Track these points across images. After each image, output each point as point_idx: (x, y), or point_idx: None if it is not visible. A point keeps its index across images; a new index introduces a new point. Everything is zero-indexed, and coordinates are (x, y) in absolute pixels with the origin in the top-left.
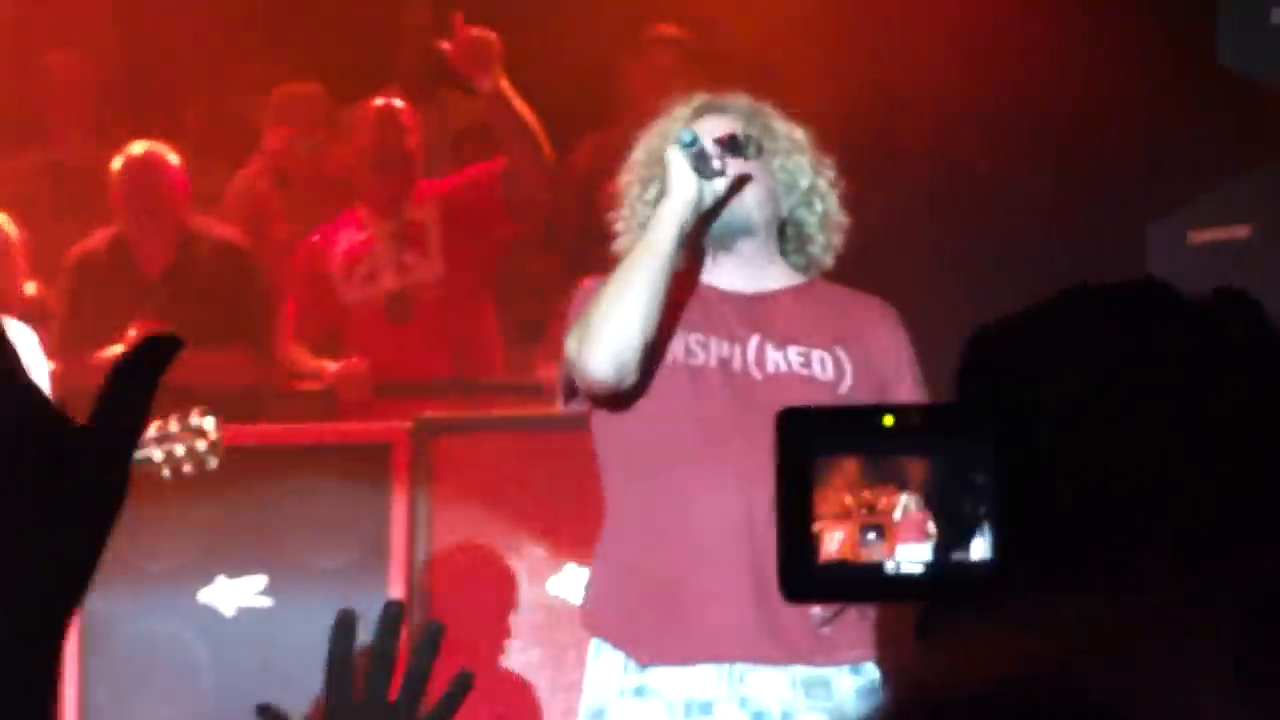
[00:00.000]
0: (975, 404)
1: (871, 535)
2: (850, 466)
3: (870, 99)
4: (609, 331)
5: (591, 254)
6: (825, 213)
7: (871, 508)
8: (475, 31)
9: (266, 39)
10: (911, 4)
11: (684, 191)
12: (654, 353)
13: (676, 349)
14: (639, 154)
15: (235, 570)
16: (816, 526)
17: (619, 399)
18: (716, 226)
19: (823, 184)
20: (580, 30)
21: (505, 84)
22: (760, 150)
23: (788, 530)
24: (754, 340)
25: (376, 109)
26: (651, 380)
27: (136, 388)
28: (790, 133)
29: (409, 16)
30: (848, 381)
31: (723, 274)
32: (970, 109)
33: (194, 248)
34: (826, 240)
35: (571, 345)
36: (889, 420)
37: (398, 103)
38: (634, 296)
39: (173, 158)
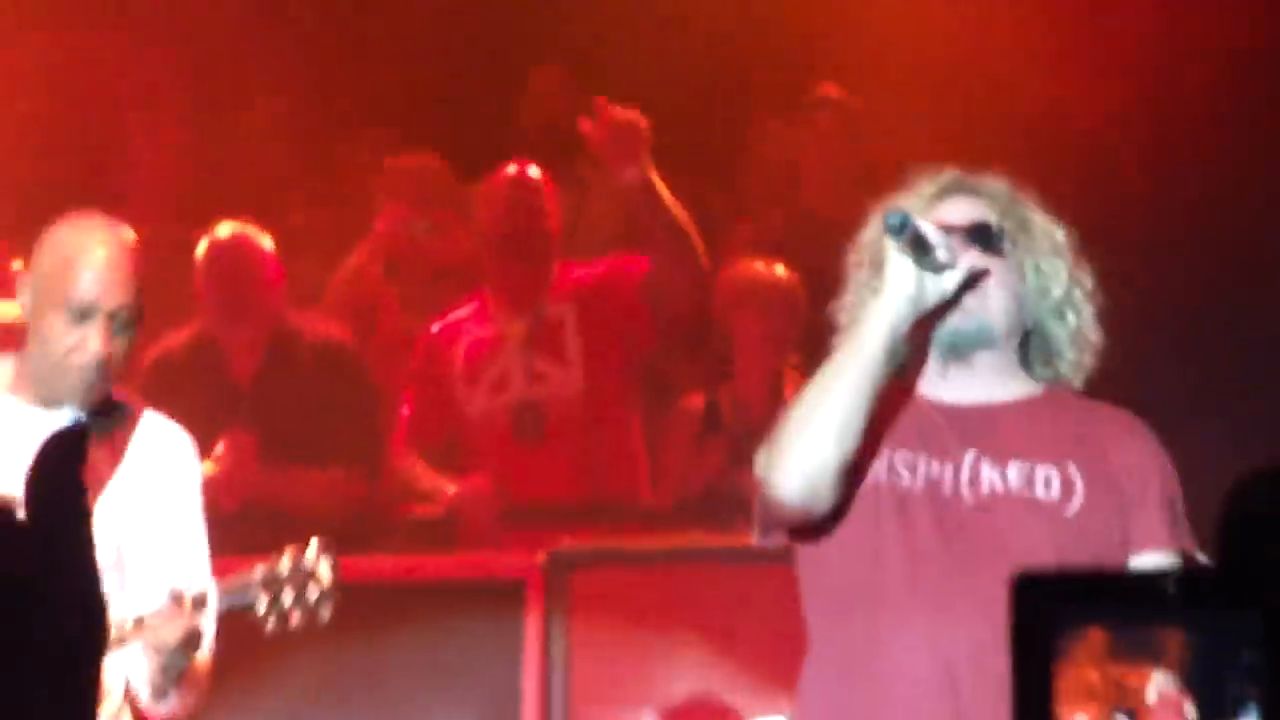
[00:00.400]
0: (1240, 567)
1: (1121, 719)
2: (1096, 639)
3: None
4: (801, 447)
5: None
6: (1078, 327)
7: (1121, 687)
8: (619, 112)
9: (376, 106)
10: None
11: (899, 286)
12: (855, 473)
13: (879, 469)
14: (870, 231)
15: None
16: (1058, 708)
17: (813, 527)
18: (946, 332)
19: (1079, 294)
20: (728, 99)
21: (652, 175)
22: (1013, 245)
23: (1024, 712)
24: (969, 456)
25: (509, 179)
26: (852, 506)
27: (55, 491)
28: (1050, 230)
29: (538, 79)
30: (1076, 501)
31: (949, 387)
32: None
33: (290, 347)
34: (1076, 358)
35: (760, 461)
36: (1143, 588)
37: (534, 172)
38: (832, 407)
39: (266, 242)
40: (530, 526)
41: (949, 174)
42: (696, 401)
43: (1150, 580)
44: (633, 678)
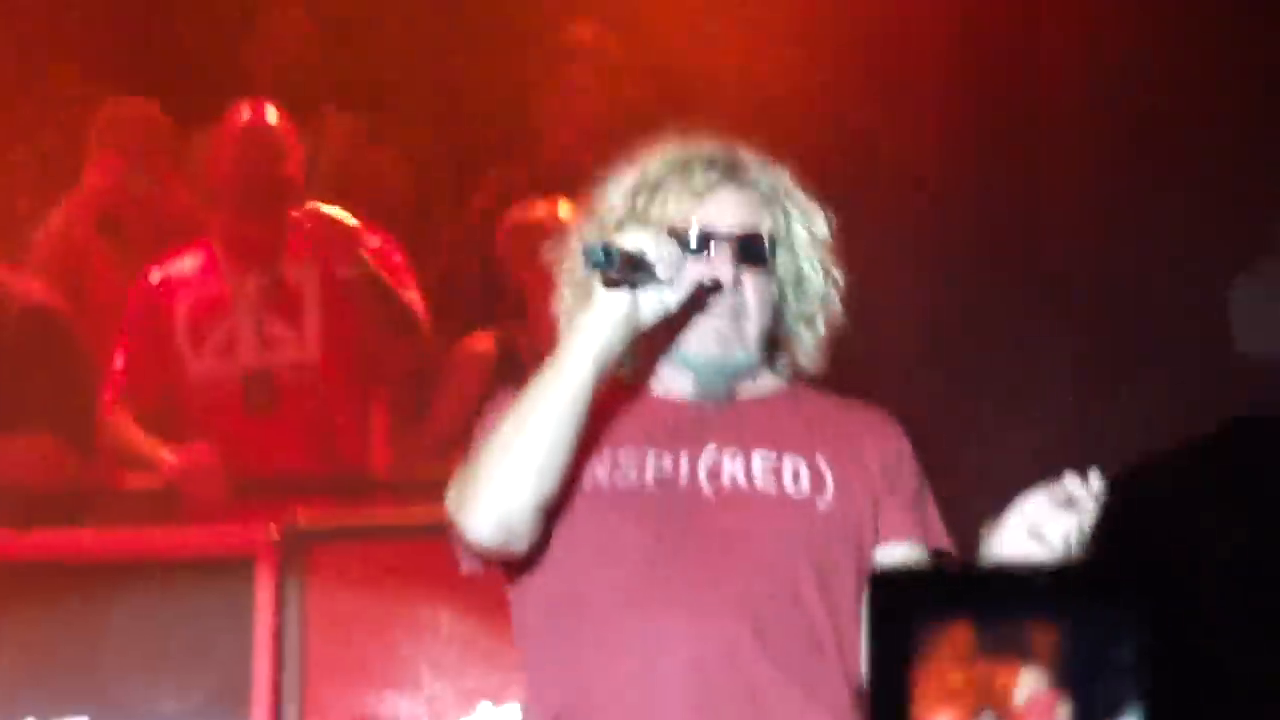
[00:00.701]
0: (1119, 560)
1: None
2: (960, 635)
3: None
4: (495, 490)
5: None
6: (825, 322)
7: (988, 687)
8: (328, 212)
9: (90, 41)
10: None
11: (609, 312)
12: (567, 480)
13: (599, 471)
14: (612, 207)
15: (49, 715)
16: (916, 710)
17: (518, 560)
18: (698, 359)
19: (833, 293)
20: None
21: (371, 266)
22: (774, 251)
23: (880, 714)
24: (709, 449)
25: (243, 121)
26: (566, 511)
27: None
28: (811, 221)
29: (275, 18)
30: (827, 497)
31: (679, 385)
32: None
33: None
34: (820, 354)
35: (451, 497)
36: (1012, 580)
37: (271, 113)
38: (531, 446)
39: None
40: (261, 499)
41: (710, 152)
42: (485, 342)
43: (1020, 572)
44: (372, 659)
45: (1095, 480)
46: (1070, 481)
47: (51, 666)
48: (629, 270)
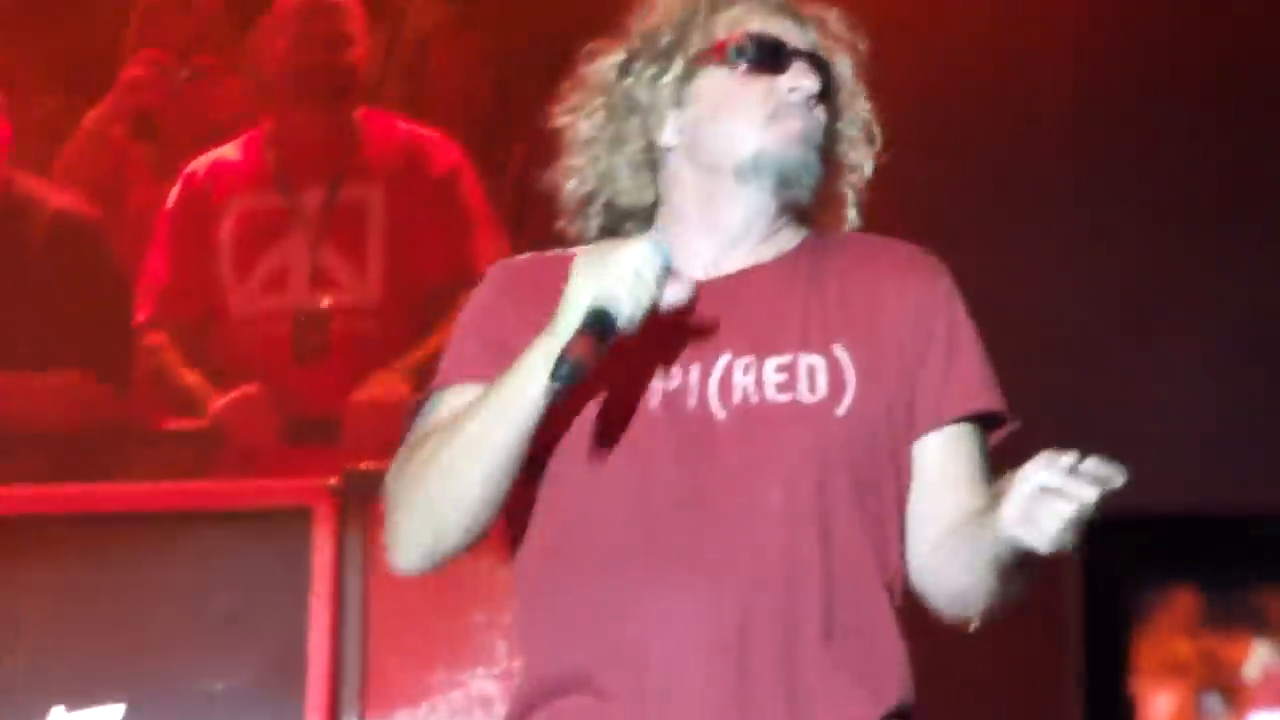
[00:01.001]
0: None
1: (1214, 700)
2: (1186, 602)
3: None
4: (423, 526)
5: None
6: (859, 176)
7: (1214, 661)
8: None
9: None
10: None
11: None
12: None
13: (599, 388)
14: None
15: (80, 697)
16: (1135, 686)
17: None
18: (758, 158)
19: (875, 143)
20: None
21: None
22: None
23: (1093, 690)
24: (723, 359)
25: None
26: (560, 445)
27: None
28: (856, 63)
29: None
30: (848, 399)
31: (679, 247)
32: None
33: (17, 221)
34: (854, 204)
35: (386, 500)
36: (1242, 539)
37: None
38: (466, 483)
39: None
40: (317, 443)
41: None
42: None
43: (1257, 530)
44: (441, 629)
45: (1110, 471)
46: (1085, 463)
47: (81, 645)
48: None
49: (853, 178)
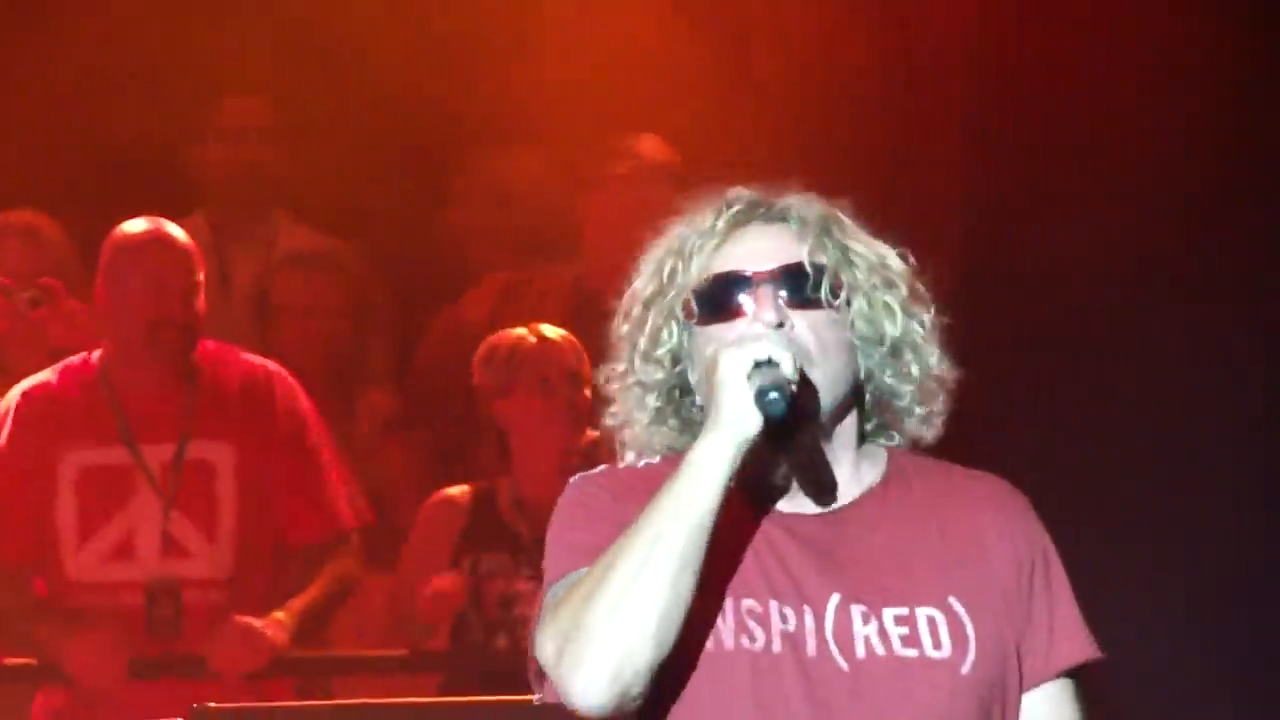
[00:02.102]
0: None
1: None
2: None
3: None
4: (612, 644)
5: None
6: (923, 372)
7: None
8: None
9: None
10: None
11: (743, 421)
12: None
13: (723, 629)
14: (646, 285)
15: None
16: None
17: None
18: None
19: (917, 332)
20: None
21: (283, 635)
22: (837, 292)
23: None
24: (833, 602)
25: (142, 240)
26: (688, 681)
27: None
28: (876, 256)
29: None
30: (971, 655)
31: (782, 486)
32: None
33: None
34: (926, 409)
35: (548, 649)
36: None
37: (176, 231)
38: (653, 588)
39: None
40: (167, 679)
41: (739, 194)
42: (462, 498)
43: None
44: None
45: None
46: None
47: None
48: (769, 385)
49: (907, 373)
